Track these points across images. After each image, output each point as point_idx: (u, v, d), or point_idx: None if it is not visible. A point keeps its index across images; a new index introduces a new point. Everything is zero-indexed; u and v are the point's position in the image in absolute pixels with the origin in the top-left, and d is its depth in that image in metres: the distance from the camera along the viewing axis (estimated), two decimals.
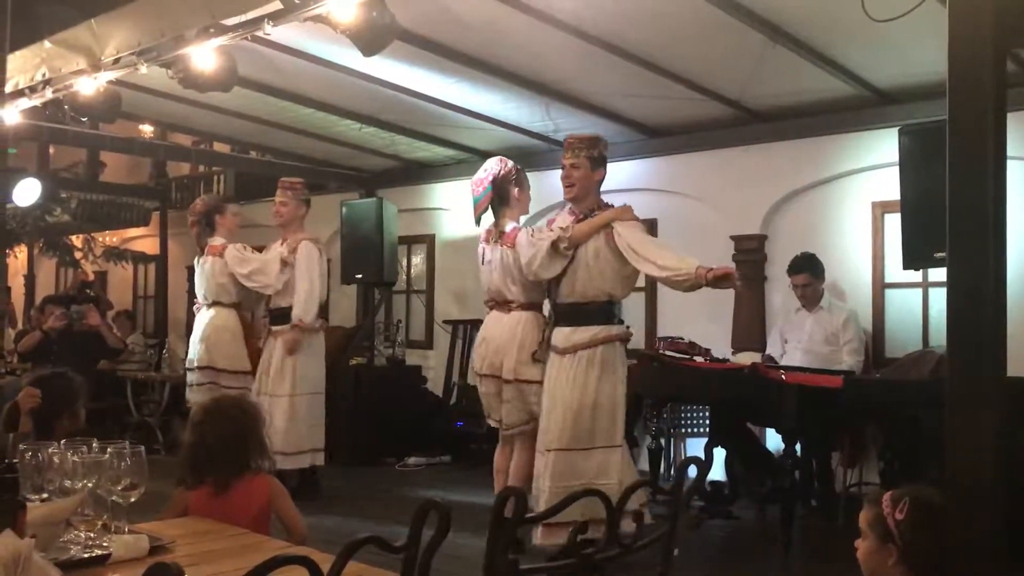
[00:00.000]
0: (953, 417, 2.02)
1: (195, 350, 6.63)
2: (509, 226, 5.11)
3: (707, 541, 5.39)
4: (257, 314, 6.92)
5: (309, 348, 6.37)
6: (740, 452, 6.10)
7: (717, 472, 6.20)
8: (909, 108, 6.04)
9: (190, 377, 6.66)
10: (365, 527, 1.18)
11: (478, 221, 5.24)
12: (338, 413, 6.98)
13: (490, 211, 5.22)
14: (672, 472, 6.80)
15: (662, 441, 6.62)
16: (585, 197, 4.83)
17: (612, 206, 4.84)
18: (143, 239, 12.23)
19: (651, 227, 7.66)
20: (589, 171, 4.79)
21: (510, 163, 5.22)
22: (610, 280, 4.67)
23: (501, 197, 5.14)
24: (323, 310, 6.97)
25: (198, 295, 6.82)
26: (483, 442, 6.01)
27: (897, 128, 5.47)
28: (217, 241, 6.61)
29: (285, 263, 6.31)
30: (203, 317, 6.69)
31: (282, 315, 6.38)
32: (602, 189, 4.89)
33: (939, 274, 5.68)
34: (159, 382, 8.83)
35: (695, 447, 6.96)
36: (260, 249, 6.72)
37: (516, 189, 5.19)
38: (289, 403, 6.21)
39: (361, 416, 7.93)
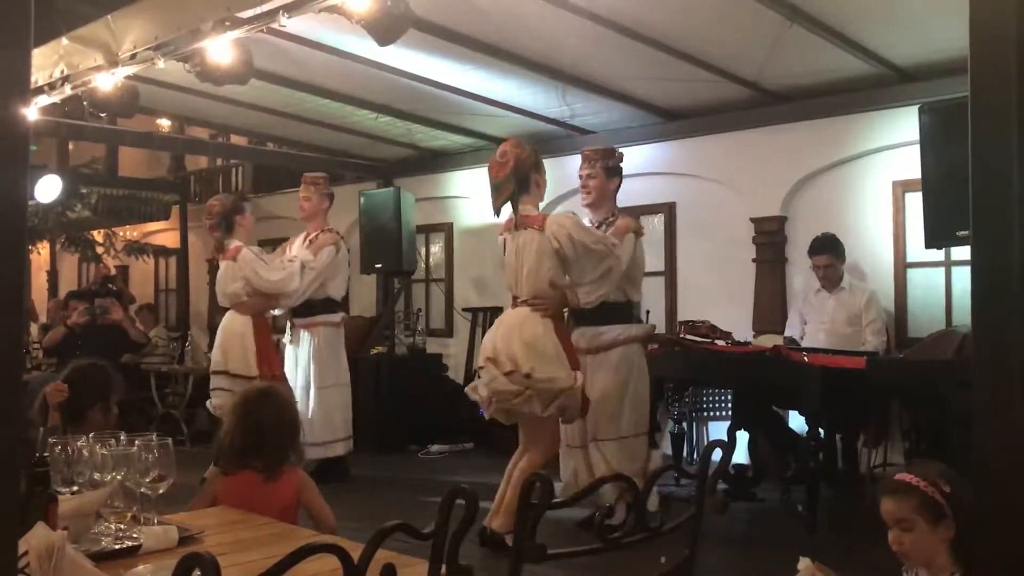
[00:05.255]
0: (980, 399, 2.01)
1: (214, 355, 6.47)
2: (532, 212, 4.85)
3: (733, 524, 5.39)
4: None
5: (330, 342, 6.56)
6: (767, 434, 6.07)
7: (740, 455, 6.19)
8: (929, 85, 5.97)
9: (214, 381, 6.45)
10: (391, 515, 1.19)
11: (498, 212, 4.89)
12: (360, 402, 7.02)
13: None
14: (695, 456, 6.81)
15: (684, 425, 6.63)
16: (601, 205, 5.22)
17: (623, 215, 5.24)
18: (163, 233, 12.32)
19: (670, 210, 7.66)
20: (604, 180, 5.20)
21: (528, 147, 4.90)
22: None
23: (521, 184, 4.78)
24: (344, 302, 7.05)
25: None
26: (505, 428, 6.03)
27: (917, 106, 5.41)
28: (233, 244, 6.41)
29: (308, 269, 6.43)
30: (223, 320, 6.54)
31: (304, 308, 6.54)
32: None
33: (962, 252, 5.63)
34: (182, 374, 8.91)
35: (718, 431, 6.95)
36: (283, 240, 6.79)
37: (536, 175, 4.89)
38: (317, 395, 6.44)
39: (383, 405, 7.98)
